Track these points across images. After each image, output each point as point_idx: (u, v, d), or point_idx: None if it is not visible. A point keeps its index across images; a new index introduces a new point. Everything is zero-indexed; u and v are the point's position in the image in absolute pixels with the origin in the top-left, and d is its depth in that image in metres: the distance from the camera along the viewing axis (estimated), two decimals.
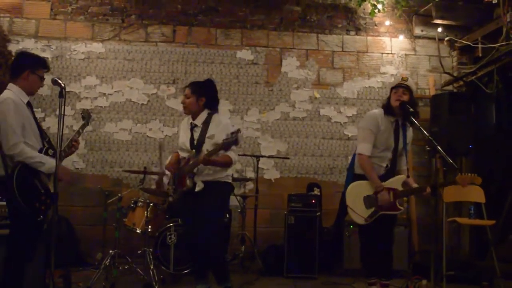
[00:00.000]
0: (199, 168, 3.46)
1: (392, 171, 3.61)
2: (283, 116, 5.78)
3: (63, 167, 3.12)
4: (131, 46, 5.72)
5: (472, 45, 5.43)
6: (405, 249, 4.90)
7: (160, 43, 5.76)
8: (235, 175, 5.30)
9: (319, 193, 5.26)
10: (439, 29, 5.69)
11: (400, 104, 3.48)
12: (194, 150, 3.50)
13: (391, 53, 5.95)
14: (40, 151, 2.98)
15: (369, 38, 5.96)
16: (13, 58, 5.14)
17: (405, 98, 3.50)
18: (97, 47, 5.67)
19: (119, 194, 4.47)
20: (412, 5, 5.88)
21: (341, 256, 4.96)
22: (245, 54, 5.82)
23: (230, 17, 5.86)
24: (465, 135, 5.12)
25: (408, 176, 3.62)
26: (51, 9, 5.66)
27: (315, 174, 5.73)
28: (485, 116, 5.44)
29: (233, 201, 4.99)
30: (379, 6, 5.70)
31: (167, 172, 3.70)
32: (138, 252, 4.42)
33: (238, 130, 3.19)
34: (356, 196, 3.54)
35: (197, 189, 3.48)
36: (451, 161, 3.10)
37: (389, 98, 3.63)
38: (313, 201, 4.91)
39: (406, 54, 5.96)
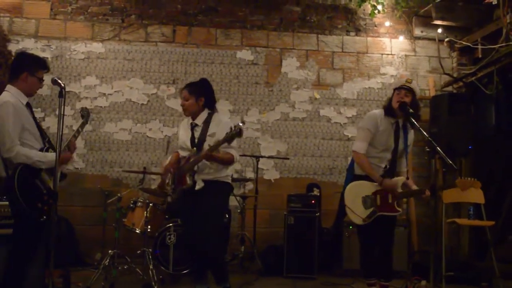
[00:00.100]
0: (199, 166, 3.46)
1: (391, 172, 3.60)
2: (283, 117, 5.78)
3: (63, 156, 3.03)
4: (131, 46, 5.72)
5: (472, 46, 5.43)
6: (405, 250, 4.90)
7: (160, 43, 5.76)
8: (235, 175, 5.30)
9: (318, 194, 5.26)
10: (439, 30, 5.69)
11: (400, 105, 3.47)
12: (195, 148, 3.50)
13: (391, 54, 5.96)
14: (40, 151, 2.97)
15: (369, 39, 5.97)
16: (13, 58, 5.16)
17: (407, 100, 3.49)
18: (97, 47, 5.67)
19: (119, 194, 4.47)
20: (412, 6, 5.88)
21: (340, 257, 4.97)
22: (245, 54, 5.83)
23: (230, 17, 5.86)
24: (465, 136, 5.13)
25: (407, 178, 3.61)
26: (51, 9, 5.66)
27: (314, 174, 5.73)
28: (484, 117, 5.45)
29: (233, 201, 5.00)
30: (379, 7, 5.70)
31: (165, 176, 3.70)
32: (138, 252, 4.42)
33: (243, 122, 3.18)
34: (355, 196, 3.53)
35: (197, 187, 3.47)
36: (450, 162, 3.10)
37: (390, 99, 3.61)
38: (313, 201, 4.91)
39: (406, 55, 5.97)
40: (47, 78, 3.21)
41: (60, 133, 2.74)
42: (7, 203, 3.36)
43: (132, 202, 4.47)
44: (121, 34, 5.73)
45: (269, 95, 5.79)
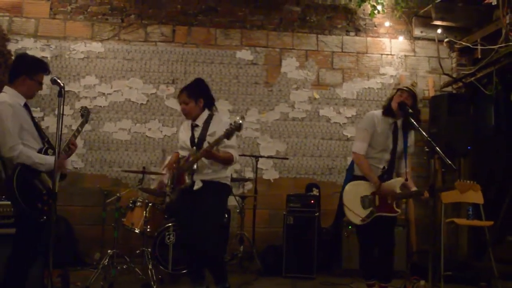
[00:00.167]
0: (198, 166, 3.46)
1: (389, 172, 3.59)
2: (282, 117, 5.78)
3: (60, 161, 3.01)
4: (130, 45, 5.72)
5: (471, 46, 5.44)
6: (403, 250, 4.90)
7: (160, 43, 5.76)
8: (234, 175, 5.29)
9: (318, 194, 5.26)
10: (439, 31, 5.69)
11: (399, 104, 3.46)
12: (194, 148, 3.50)
13: (391, 54, 5.96)
14: (39, 151, 2.97)
15: (368, 39, 5.97)
16: (12, 57, 5.16)
17: (408, 102, 3.47)
18: (96, 46, 5.67)
19: (118, 194, 4.48)
20: (412, 6, 5.88)
21: (339, 256, 4.97)
22: (244, 54, 5.83)
23: (230, 17, 5.86)
24: (464, 136, 5.13)
25: (406, 179, 3.60)
26: (51, 9, 5.66)
27: (314, 174, 5.73)
28: (484, 117, 5.45)
29: (232, 201, 5.00)
30: (379, 7, 5.71)
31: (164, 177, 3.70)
32: (137, 252, 4.43)
33: (242, 118, 3.18)
34: (354, 195, 3.53)
35: (195, 187, 3.47)
36: (449, 162, 3.10)
37: (390, 98, 3.61)
38: (312, 201, 4.92)
39: (405, 55, 5.97)
40: (46, 78, 3.20)
41: (59, 132, 2.74)
42: (7, 202, 3.37)
43: (131, 202, 4.46)
44: (120, 33, 5.73)
45: (268, 95, 5.79)
